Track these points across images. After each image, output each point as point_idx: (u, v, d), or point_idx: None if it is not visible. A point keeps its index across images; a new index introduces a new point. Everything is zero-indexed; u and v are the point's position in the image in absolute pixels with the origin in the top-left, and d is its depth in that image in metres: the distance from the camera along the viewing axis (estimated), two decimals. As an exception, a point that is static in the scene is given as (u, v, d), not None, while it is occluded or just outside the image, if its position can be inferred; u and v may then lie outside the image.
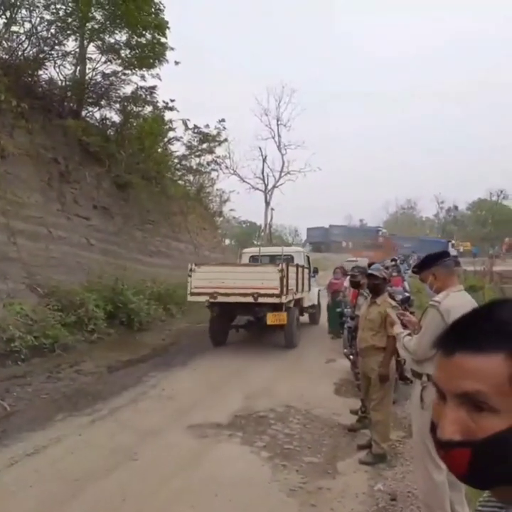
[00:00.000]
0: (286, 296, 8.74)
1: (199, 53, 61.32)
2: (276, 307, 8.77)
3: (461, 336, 0.71)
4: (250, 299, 8.60)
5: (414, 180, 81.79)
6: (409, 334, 3.40)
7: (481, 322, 0.71)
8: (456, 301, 2.99)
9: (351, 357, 6.43)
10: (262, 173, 43.93)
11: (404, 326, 3.74)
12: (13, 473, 4.12)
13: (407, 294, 8.81)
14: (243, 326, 9.94)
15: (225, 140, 20.53)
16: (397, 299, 6.63)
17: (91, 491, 3.82)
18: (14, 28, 11.55)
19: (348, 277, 8.29)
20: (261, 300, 8.62)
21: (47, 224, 9.98)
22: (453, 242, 42.59)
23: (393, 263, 12.67)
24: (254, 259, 11.38)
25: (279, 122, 44.16)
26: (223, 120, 19.80)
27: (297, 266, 10.21)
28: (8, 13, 11.10)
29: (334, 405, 6.17)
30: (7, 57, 11.23)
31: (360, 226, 48.28)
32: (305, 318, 11.89)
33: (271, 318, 8.71)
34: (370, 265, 6.79)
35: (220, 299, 8.85)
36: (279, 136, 44.31)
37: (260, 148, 43.63)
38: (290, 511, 3.58)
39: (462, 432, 0.67)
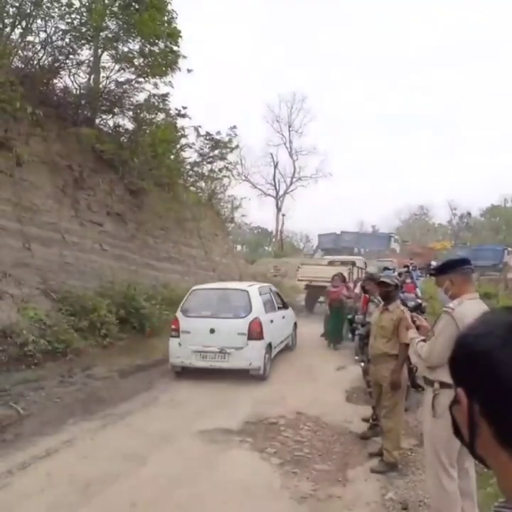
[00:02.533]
0: None
1: (208, 59, 61.66)
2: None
3: None
4: (323, 284, 12.32)
5: (426, 186, 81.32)
6: (423, 340, 3.37)
7: None
8: (471, 308, 2.96)
9: (362, 364, 6.40)
10: (274, 179, 44.17)
11: (418, 329, 3.72)
12: (26, 476, 4.16)
13: (419, 301, 8.75)
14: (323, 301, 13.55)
15: (237, 146, 20.63)
16: (409, 306, 6.60)
17: (102, 495, 3.84)
18: (30, 38, 11.78)
19: (360, 283, 8.27)
20: None
21: (61, 230, 10.10)
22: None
23: (406, 270, 12.60)
24: (331, 263, 17.32)
25: (290, 128, 44.42)
26: (235, 127, 19.90)
27: (358, 267, 15.81)
28: (23, 23, 11.31)
29: (345, 412, 6.13)
30: (23, 66, 11.43)
31: (372, 232, 47.95)
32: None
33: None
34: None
35: (314, 283, 15.23)
36: (290, 142, 44.56)
37: (272, 154, 43.90)
38: (300, 519, 3.56)
39: None
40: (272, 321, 8.41)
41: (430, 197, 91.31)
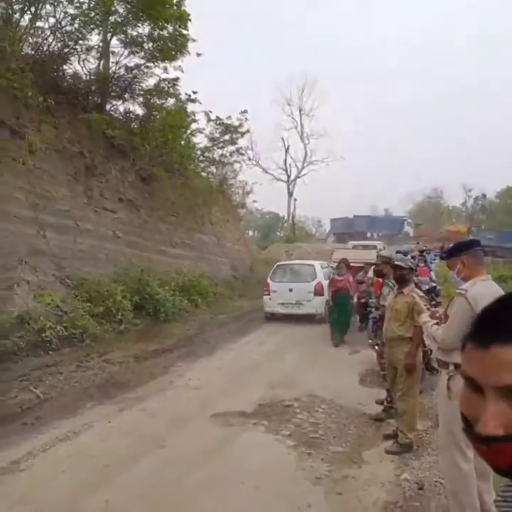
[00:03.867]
0: None
1: (215, 44, 60.85)
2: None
3: (496, 327, 0.68)
4: (361, 265, 12.02)
5: (441, 168, 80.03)
6: (436, 323, 3.36)
7: None
8: (484, 290, 2.95)
9: (377, 347, 6.40)
10: (285, 163, 43.80)
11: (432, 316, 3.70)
12: (47, 458, 4.27)
13: (433, 284, 8.70)
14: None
15: (247, 131, 20.51)
16: (423, 289, 6.56)
17: (122, 476, 3.92)
18: (39, 24, 11.75)
19: (372, 267, 8.23)
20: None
21: (74, 217, 10.19)
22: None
23: (419, 253, 12.50)
24: (354, 247, 18.17)
25: (301, 112, 43.89)
26: (245, 111, 19.78)
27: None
28: (32, 9, 11.26)
29: (359, 395, 6.16)
30: (33, 52, 11.42)
31: (385, 216, 47.41)
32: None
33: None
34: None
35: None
36: (301, 125, 44.07)
37: (283, 138, 43.49)
38: (316, 499, 3.60)
39: (506, 426, 0.65)
40: (328, 286, 10.86)
41: (444, 179, 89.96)
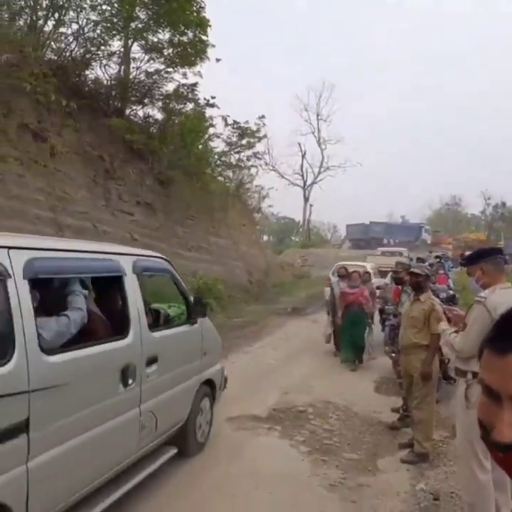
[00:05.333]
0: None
1: (233, 49, 61.25)
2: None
3: None
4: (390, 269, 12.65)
5: (459, 175, 79.12)
6: (455, 331, 3.32)
7: None
8: (503, 298, 2.90)
9: (393, 355, 6.34)
10: (301, 169, 43.84)
11: (449, 322, 3.66)
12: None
13: (451, 292, 8.59)
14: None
15: (265, 136, 20.55)
16: (441, 297, 6.49)
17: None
18: (62, 30, 12.00)
19: (390, 273, 8.16)
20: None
21: (92, 219, 10.32)
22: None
23: (438, 260, 12.37)
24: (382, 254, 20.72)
25: (319, 117, 43.90)
26: (263, 116, 19.83)
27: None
28: (56, 15, 11.51)
29: (374, 403, 6.10)
30: (56, 58, 11.66)
31: (402, 223, 47.01)
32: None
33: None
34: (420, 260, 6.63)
35: (381, 269, 15.49)
36: (318, 130, 44.09)
37: (299, 143, 43.54)
38: (331, 506, 3.57)
39: None
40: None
41: (463, 186, 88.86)
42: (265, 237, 43.87)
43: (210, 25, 13.94)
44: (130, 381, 3.12)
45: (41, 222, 8.85)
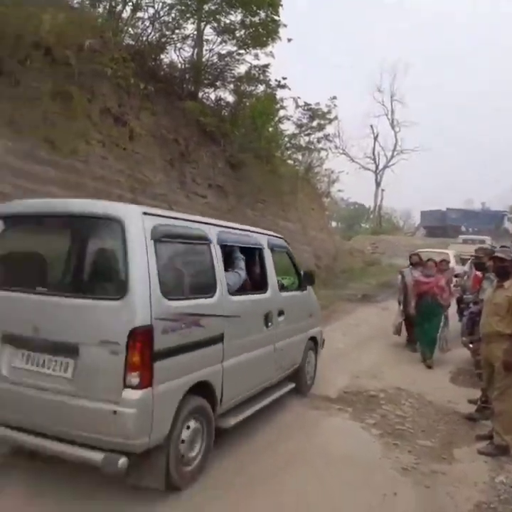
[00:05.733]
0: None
1: (304, 30, 59.88)
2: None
3: None
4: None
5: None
6: None
7: None
8: None
9: (471, 345, 6.07)
10: (373, 152, 42.41)
11: None
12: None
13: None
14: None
15: (336, 118, 20.07)
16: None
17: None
18: (139, 14, 12.32)
19: (470, 261, 7.77)
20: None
21: (169, 201, 10.66)
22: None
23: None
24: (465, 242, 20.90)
25: (393, 98, 42.13)
26: (335, 97, 19.36)
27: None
28: (134, 0, 11.84)
29: (450, 393, 5.89)
30: (133, 43, 12.03)
31: (482, 210, 44.18)
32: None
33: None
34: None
35: (462, 256, 15.19)
36: (392, 112, 42.33)
37: (372, 126, 42.10)
38: (403, 489, 3.52)
39: None
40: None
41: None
42: (334, 224, 43.05)
43: (281, 5, 13.76)
44: (269, 324, 4.43)
45: (123, 202, 9.28)
